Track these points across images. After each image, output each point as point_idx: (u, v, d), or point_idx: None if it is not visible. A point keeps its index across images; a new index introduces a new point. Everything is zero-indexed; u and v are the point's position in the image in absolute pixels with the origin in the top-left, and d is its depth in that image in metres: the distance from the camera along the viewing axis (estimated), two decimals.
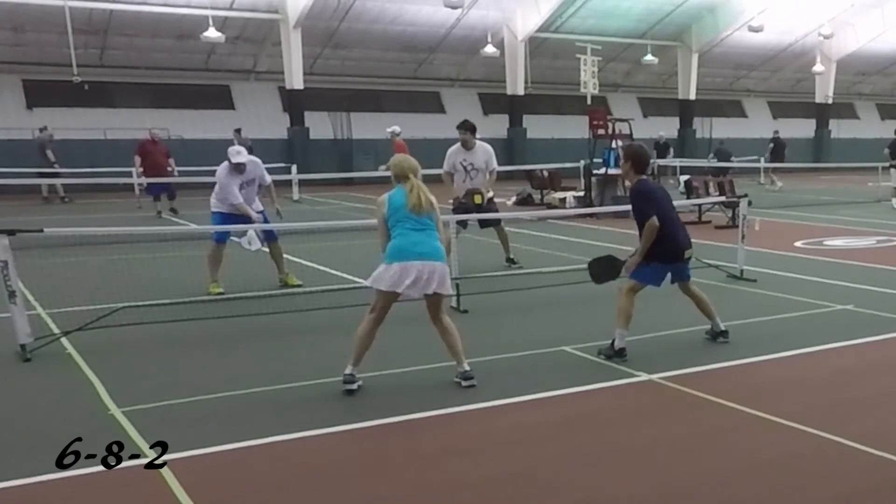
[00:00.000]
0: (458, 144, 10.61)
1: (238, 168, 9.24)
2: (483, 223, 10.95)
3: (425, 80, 32.91)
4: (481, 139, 10.77)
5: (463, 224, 10.10)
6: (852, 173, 27.88)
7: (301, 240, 11.72)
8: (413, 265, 5.62)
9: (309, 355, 6.75)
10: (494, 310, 8.39)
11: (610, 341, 6.50)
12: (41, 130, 23.07)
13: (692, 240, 7.01)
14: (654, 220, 6.39)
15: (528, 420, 5.25)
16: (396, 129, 19.67)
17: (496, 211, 11.11)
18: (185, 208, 18.05)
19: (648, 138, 26.57)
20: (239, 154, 9.24)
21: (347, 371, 5.62)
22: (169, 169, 18.58)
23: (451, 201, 10.63)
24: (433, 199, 5.83)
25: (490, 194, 10.68)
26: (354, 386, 5.60)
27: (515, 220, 15.05)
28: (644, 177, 6.78)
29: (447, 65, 33.00)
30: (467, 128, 10.57)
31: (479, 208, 10.39)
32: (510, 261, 10.87)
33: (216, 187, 9.35)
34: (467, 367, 5.80)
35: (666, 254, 6.58)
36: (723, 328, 6.94)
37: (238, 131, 24.04)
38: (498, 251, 10.92)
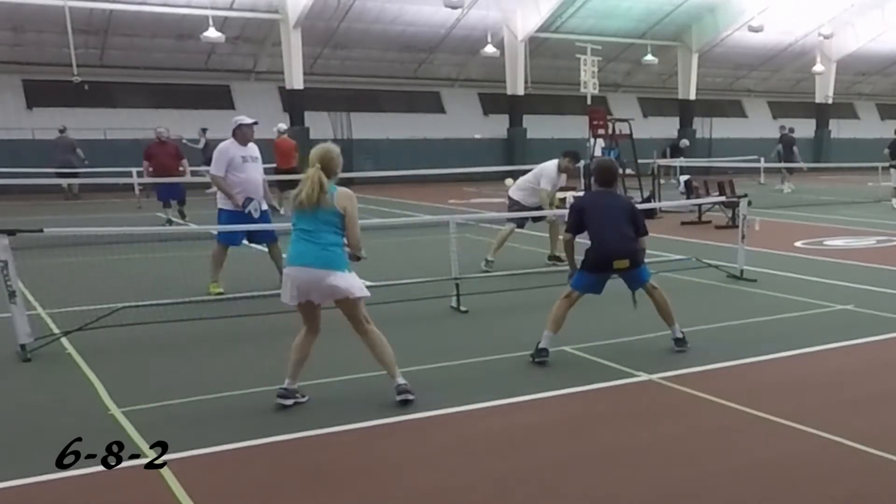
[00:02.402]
0: (557, 168, 11.04)
1: (244, 136, 9.11)
2: (535, 218, 11.21)
3: (425, 80, 32.90)
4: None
5: (519, 222, 10.96)
6: (852, 173, 27.88)
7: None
8: (291, 272, 5.33)
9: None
10: (494, 310, 8.39)
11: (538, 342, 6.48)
12: (61, 132, 23.47)
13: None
14: (567, 234, 6.75)
15: (528, 420, 5.25)
16: (282, 126, 19.65)
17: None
18: (187, 209, 18.03)
19: (649, 138, 26.61)
20: (248, 118, 9.21)
21: (285, 384, 5.41)
22: (181, 169, 16.93)
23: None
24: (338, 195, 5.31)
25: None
26: (289, 402, 5.39)
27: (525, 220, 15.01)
28: (600, 189, 6.92)
29: (447, 65, 32.99)
30: (578, 158, 11.50)
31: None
32: (554, 258, 11.00)
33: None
34: (400, 381, 5.44)
35: (591, 262, 6.59)
36: (680, 335, 6.72)
37: (205, 130, 24.38)
38: (500, 251, 10.92)
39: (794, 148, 25.02)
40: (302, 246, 5.34)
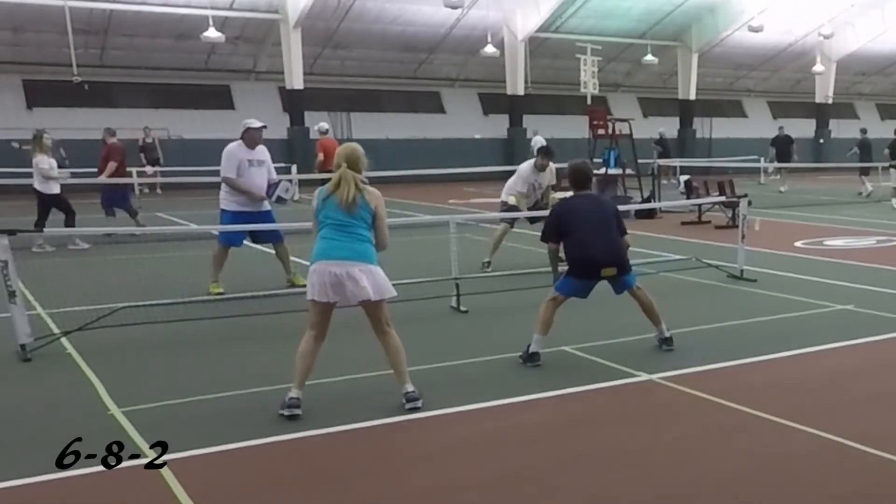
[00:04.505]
0: (532, 165, 11.03)
1: (252, 139, 9.10)
2: (533, 220, 11.13)
3: (425, 80, 32.91)
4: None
5: (510, 222, 10.89)
6: (852, 173, 27.84)
7: (303, 240, 11.71)
8: (327, 266, 5.21)
9: None
10: (494, 310, 8.39)
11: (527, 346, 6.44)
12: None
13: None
14: (550, 244, 6.67)
15: (528, 420, 5.25)
16: (324, 126, 19.37)
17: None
18: (184, 208, 18.01)
19: (648, 138, 26.60)
20: (257, 121, 9.21)
21: (293, 395, 5.23)
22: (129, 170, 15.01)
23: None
24: (369, 193, 5.36)
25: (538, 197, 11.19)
26: (299, 411, 5.19)
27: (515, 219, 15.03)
28: (581, 193, 6.74)
29: (447, 65, 33.00)
30: (551, 154, 11.20)
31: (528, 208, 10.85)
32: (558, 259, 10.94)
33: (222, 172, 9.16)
34: (409, 388, 5.37)
35: (577, 270, 6.51)
36: (667, 335, 6.73)
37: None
38: (501, 252, 10.92)
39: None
40: (337, 240, 5.28)
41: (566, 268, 6.69)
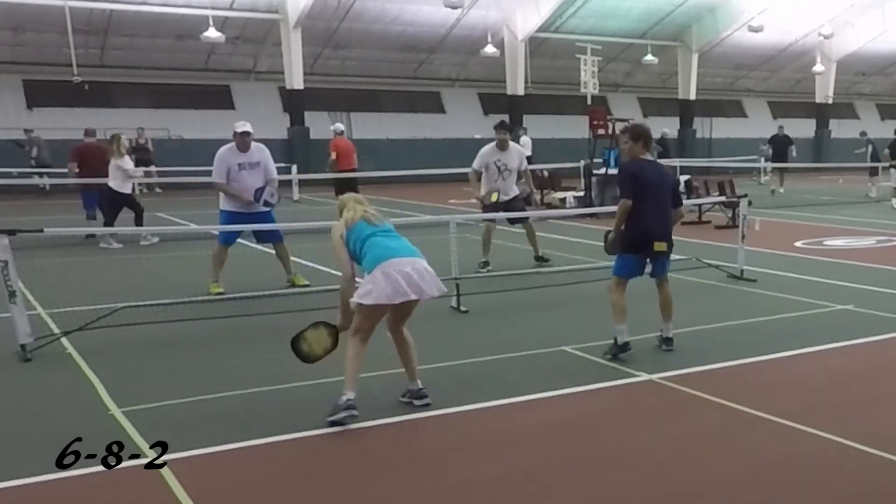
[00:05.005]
0: (493, 145, 10.71)
1: (242, 143, 9.10)
2: (512, 219, 11.08)
3: (425, 80, 32.91)
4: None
5: (492, 221, 10.63)
6: (852, 173, 27.87)
7: (303, 240, 11.72)
8: (398, 264, 5.17)
9: None
10: (494, 310, 8.39)
11: (612, 340, 6.48)
12: (28, 131, 24.02)
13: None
14: (626, 201, 6.38)
15: (527, 420, 5.25)
16: (340, 126, 19.33)
17: (523, 209, 11.13)
18: (183, 208, 18.01)
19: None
20: (244, 125, 9.19)
21: (350, 397, 5.11)
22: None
23: (474, 200, 11.10)
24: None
25: (517, 192, 10.95)
26: (356, 412, 5.09)
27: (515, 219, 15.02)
28: (646, 158, 6.62)
29: (447, 65, 33.00)
30: (506, 128, 10.79)
31: (505, 206, 10.62)
32: (539, 259, 10.89)
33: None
34: (420, 385, 5.44)
35: (633, 243, 6.43)
36: (670, 335, 6.73)
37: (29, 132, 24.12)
38: (498, 252, 10.92)
39: None
40: (396, 241, 5.34)
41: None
